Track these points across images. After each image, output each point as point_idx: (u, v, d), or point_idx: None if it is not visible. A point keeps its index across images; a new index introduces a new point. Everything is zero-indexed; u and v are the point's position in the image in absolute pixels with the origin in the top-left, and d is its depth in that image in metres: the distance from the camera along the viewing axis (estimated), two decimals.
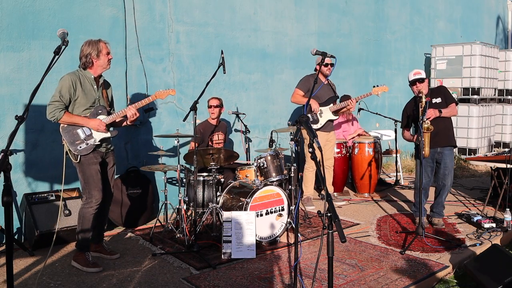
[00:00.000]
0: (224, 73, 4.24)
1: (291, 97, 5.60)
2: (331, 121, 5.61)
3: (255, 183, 4.35)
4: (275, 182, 4.53)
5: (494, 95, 9.21)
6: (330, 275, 2.18)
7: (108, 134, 3.75)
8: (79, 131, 3.64)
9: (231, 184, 4.52)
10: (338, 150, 6.16)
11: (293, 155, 4.94)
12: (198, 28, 5.72)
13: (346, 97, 5.70)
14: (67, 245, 4.25)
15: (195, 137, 4.06)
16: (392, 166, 8.04)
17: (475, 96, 8.53)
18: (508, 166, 4.82)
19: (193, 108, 4.00)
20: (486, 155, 5.84)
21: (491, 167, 5.29)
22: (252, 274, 3.54)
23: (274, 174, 4.61)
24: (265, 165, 4.60)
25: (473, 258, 3.58)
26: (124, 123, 3.93)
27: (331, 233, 2.12)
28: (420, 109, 4.25)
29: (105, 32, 4.85)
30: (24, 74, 4.41)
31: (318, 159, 2.36)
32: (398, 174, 7.07)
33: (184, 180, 4.63)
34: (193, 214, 4.31)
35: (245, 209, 4.05)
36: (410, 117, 4.75)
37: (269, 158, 4.62)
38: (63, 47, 2.68)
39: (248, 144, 5.72)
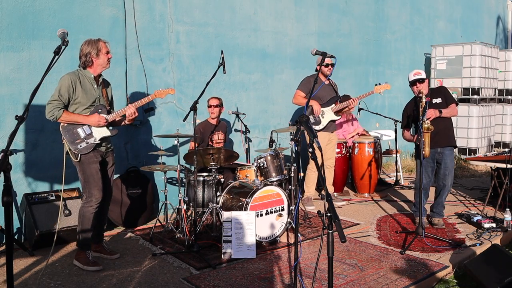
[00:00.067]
0: (224, 73, 4.24)
1: (292, 99, 5.60)
2: (333, 121, 5.60)
3: (255, 183, 4.35)
4: (275, 182, 4.53)
5: (494, 95, 9.21)
6: (330, 275, 2.18)
7: (108, 133, 3.75)
8: (79, 130, 3.65)
9: (231, 184, 4.52)
10: (338, 150, 6.15)
11: (293, 155, 4.94)
12: (198, 28, 5.72)
13: (346, 97, 5.70)
14: (67, 245, 4.25)
15: (195, 137, 4.06)
16: (392, 166, 8.04)
17: (475, 96, 8.53)
18: (508, 166, 4.82)
19: (193, 108, 4.00)
20: (486, 155, 5.84)
21: (491, 167, 5.29)
22: (252, 274, 3.54)
23: (274, 174, 4.61)
24: (265, 165, 4.60)
25: (473, 258, 3.58)
26: (123, 123, 3.93)
27: (331, 233, 2.12)
28: (420, 109, 4.25)
29: (105, 32, 4.85)
30: (24, 74, 4.41)
31: (318, 159, 2.36)
32: (398, 174, 7.07)
33: (184, 180, 4.63)
34: (193, 214, 4.31)
35: (245, 209, 4.05)
36: (410, 117, 4.75)
37: (269, 158, 4.62)
38: (63, 47, 2.68)
39: (248, 144, 5.72)
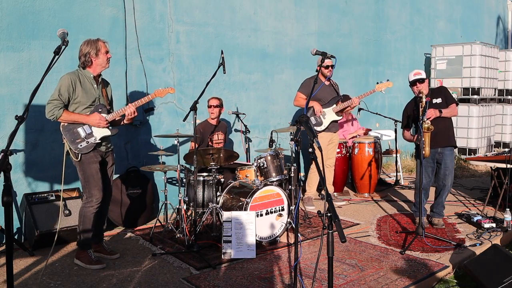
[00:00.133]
0: (224, 73, 4.24)
1: (293, 101, 5.60)
2: (335, 121, 5.60)
3: (255, 183, 4.35)
4: (275, 182, 4.53)
5: (494, 95, 9.21)
6: (330, 275, 2.18)
7: (108, 132, 3.76)
8: (80, 129, 3.65)
9: (231, 184, 4.52)
10: (338, 150, 6.15)
11: (293, 155, 4.94)
12: (198, 28, 5.72)
13: (345, 97, 5.70)
14: (67, 245, 4.25)
15: (195, 137, 4.06)
16: (392, 166, 8.04)
17: (475, 96, 8.53)
18: (508, 166, 4.82)
19: (193, 108, 4.00)
20: (486, 155, 5.84)
21: (491, 167, 5.29)
22: (252, 274, 3.54)
23: (274, 174, 4.61)
24: (265, 165, 4.60)
25: (473, 258, 3.58)
26: (122, 122, 3.93)
27: (331, 233, 2.12)
28: (420, 109, 4.25)
29: (105, 32, 4.85)
30: (24, 74, 4.41)
31: (318, 159, 2.36)
32: (398, 174, 7.07)
33: (184, 180, 4.63)
34: (193, 214, 4.31)
35: (245, 209, 4.05)
36: (411, 117, 4.75)
37: (269, 158, 4.62)
38: (63, 47, 2.68)
39: (248, 144, 5.72)
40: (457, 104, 4.69)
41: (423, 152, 4.22)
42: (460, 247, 4.04)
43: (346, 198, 6.16)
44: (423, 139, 4.18)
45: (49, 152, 4.54)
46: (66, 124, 3.63)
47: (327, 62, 5.24)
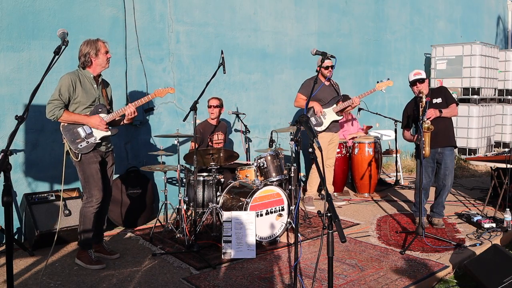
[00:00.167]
0: (224, 73, 4.24)
1: (294, 102, 5.60)
2: (336, 121, 5.60)
3: (255, 183, 4.35)
4: (275, 182, 4.53)
5: (494, 95, 9.21)
6: (330, 275, 2.18)
7: (108, 133, 3.76)
8: (80, 129, 3.65)
9: (231, 184, 4.52)
10: (338, 150, 6.15)
11: (293, 155, 4.94)
12: (198, 28, 5.72)
13: (345, 97, 5.70)
14: (67, 245, 4.25)
15: (195, 137, 4.06)
16: (392, 166, 8.04)
17: (475, 96, 8.53)
18: (508, 166, 4.82)
19: (193, 108, 4.00)
20: (486, 155, 5.84)
21: (491, 167, 5.29)
22: (252, 274, 3.54)
23: (274, 174, 4.61)
24: (265, 165, 4.60)
25: (473, 258, 3.58)
26: (122, 122, 3.93)
27: (331, 233, 2.12)
28: (421, 109, 4.25)
29: (105, 32, 4.85)
30: (24, 74, 4.41)
31: (318, 159, 2.36)
32: (398, 174, 7.07)
33: (184, 180, 4.63)
34: (193, 214, 4.31)
35: (245, 209, 4.05)
36: (411, 117, 4.75)
37: (269, 158, 4.62)
38: (63, 47, 2.68)
39: (248, 144, 5.72)
40: (457, 104, 4.69)
41: (423, 152, 4.22)
42: (460, 247, 4.04)
43: (346, 198, 6.16)
44: (423, 139, 4.18)
45: (49, 152, 4.54)
46: (66, 124, 3.63)
47: (327, 62, 5.24)
